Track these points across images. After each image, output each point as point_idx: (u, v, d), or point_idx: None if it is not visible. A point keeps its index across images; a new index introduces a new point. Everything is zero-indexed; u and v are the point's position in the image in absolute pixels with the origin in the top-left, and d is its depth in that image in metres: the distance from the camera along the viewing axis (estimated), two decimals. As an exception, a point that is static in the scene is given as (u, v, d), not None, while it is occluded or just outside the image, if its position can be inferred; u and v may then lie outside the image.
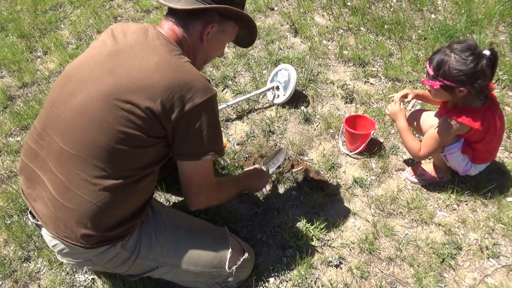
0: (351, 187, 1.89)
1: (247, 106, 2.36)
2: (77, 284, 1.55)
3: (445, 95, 1.57)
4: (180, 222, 1.39)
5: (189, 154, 1.18)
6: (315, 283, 1.54)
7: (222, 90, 2.48)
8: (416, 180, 1.90)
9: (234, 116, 2.29)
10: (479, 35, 2.65)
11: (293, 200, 1.82)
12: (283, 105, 2.31)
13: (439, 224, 1.72)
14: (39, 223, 1.19)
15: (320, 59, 2.65)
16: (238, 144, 2.12)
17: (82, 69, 1.15)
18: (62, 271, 1.60)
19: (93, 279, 1.56)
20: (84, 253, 1.19)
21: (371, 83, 2.47)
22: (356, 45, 2.74)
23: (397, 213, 1.77)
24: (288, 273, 1.56)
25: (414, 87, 2.39)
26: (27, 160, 1.21)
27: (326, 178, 1.92)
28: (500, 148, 1.89)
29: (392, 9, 3.06)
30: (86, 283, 1.55)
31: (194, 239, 1.36)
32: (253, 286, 1.49)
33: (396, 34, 2.79)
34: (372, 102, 2.34)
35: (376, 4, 3.13)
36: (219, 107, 2.17)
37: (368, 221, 1.74)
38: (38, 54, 2.89)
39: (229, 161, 2.00)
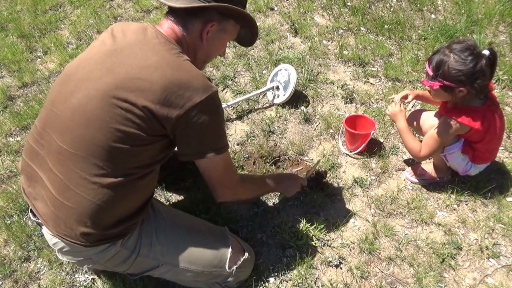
0: (351, 187, 1.89)
1: (247, 106, 2.36)
2: (77, 284, 1.55)
3: (445, 95, 1.57)
4: (180, 222, 1.39)
5: (189, 154, 1.18)
6: (315, 283, 1.54)
7: (222, 90, 2.48)
8: (416, 180, 1.90)
9: (234, 116, 2.29)
10: (479, 35, 2.65)
11: (293, 200, 1.82)
12: (283, 105, 2.31)
13: (439, 224, 1.72)
14: (39, 221, 1.20)
15: (320, 59, 2.65)
16: (238, 144, 2.12)
17: (81, 69, 1.15)
18: (62, 271, 1.60)
19: (93, 279, 1.56)
20: (84, 252, 1.19)
21: (371, 83, 2.47)
22: (356, 45, 2.74)
23: (397, 213, 1.77)
24: (288, 273, 1.56)
25: (414, 87, 2.39)
26: (27, 159, 1.21)
27: (326, 178, 1.92)
28: (500, 148, 1.89)
29: (392, 9, 3.06)
30: (86, 283, 1.55)
31: (194, 238, 1.36)
32: (253, 286, 1.49)
33: (396, 34, 2.79)
34: (372, 102, 2.34)
35: (376, 4, 3.13)
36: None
37: (368, 221, 1.74)
38: (38, 54, 2.90)
39: (229, 161, 1.99)
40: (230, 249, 1.37)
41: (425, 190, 1.87)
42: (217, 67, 2.64)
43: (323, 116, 2.25)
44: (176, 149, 1.23)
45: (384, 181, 1.92)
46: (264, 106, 2.36)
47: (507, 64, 2.46)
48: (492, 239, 1.66)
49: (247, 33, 1.34)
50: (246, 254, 1.42)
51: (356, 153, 2.02)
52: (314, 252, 1.63)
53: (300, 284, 1.53)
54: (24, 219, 1.79)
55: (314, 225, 1.70)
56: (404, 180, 1.92)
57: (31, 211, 1.24)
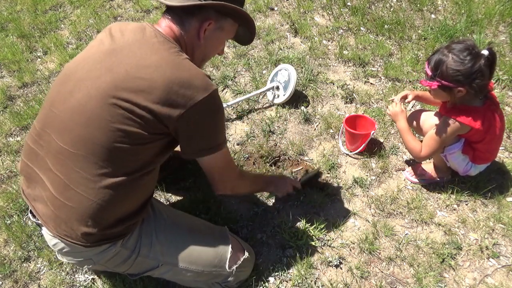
0: (351, 187, 1.89)
1: (247, 106, 2.36)
2: (77, 284, 1.55)
3: (444, 95, 1.57)
4: (180, 221, 1.39)
5: (192, 152, 1.19)
6: (315, 283, 1.54)
7: (222, 90, 2.48)
8: (416, 180, 1.90)
9: (234, 116, 2.29)
10: (479, 35, 2.65)
11: (293, 200, 1.82)
12: (283, 105, 2.31)
13: (439, 224, 1.72)
14: (39, 222, 1.19)
15: (320, 59, 2.65)
16: (238, 144, 2.12)
17: (80, 68, 1.14)
18: (62, 271, 1.60)
19: (93, 279, 1.56)
20: (84, 252, 1.19)
21: (371, 83, 2.47)
22: (356, 45, 2.74)
23: (397, 213, 1.77)
24: (288, 273, 1.56)
25: (414, 87, 2.39)
26: (27, 160, 1.21)
27: (326, 178, 1.92)
28: (500, 148, 1.89)
29: (392, 9, 3.06)
30: (86, 283, 1.55)
31: (194, 238, 1.36)
32: (253, 286, 1.49)
33: (396, 34, 2.79)
34: (372, 102, 2.34)
35: (376, 4, 3.13)
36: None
37: (368, 221, 1.74)
38: (38, 54, 2.89)
39: (229, 161, 1.99)
40: (230, 249, 1.37)
41: (425, 190, 1.87)
42: (217, 67, 2.64)
43: (323, 116, 2.25)
44: (176, 148, 1.23)
45: (384, 181, 1.92)
46: (264, 106, 2.36)
47: (507, 64, 2.46)
48: (492, 239, 1.66)
49: (246, 32, 1.33)
50: (246, 254, 1.42)
51: (356, 153, 2.02)
52: (314, 252, 1.63)
53: (300, 284, 1.53)
54: (24, 219, 1.79)
55: (314, 225, 1.70)
56: (404, 180, 1.92)
57: (31, 212, 1.24)
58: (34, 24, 3.19)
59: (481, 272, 1.57)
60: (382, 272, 1.58)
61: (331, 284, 1.53)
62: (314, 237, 1.67)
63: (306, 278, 1.54)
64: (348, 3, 3.13)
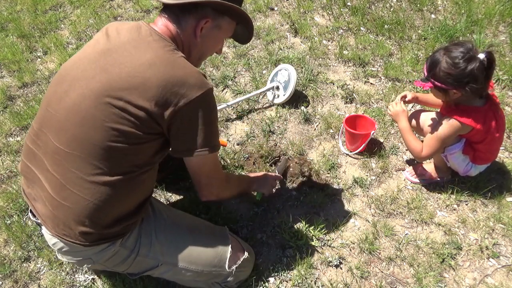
0: (351, 187, 1.89)
1: (247, 106, 2.36)
2: (77, 284, 1.55)
3: (440, 95, 1.58)
4: (180, 221, 1.39)
5: (181, 150, 1.17)
6: (315, 283, 1.54)
7: (222, 90, 2.48)
8: (416, 180, 1.90)
9: (234, 116, 2.29)
10: (479, 35, 2.65)
11: (293, 200, 1.82)
12: (283, 105, 2.31)
13: (439, 224, 1.72)
14: (39, 221, 1.20)
15: (320, 59, 2.65)
16: (238, 144, 2.12)
17: (75, 68, 1.14)
18: (62, 271, 1.60)
19: (93, 279, 1.56)
20: (83, 251, 1.19)
21: (371, 83, 2.47)
22: (356, 45, 2.74)
23: (397, 213, 1.77)
24: (288, 273, 1.56)
25: (414, 87, 2.39)
26: (26, 160, 1.21)
27: (326, 178, 1.92)
28: (500, 148, 1.89)
29: (392, 9, 3.06)
30: (86, 283, 1.55)
31: (194, 238, 1.35)
32: (253, 286, 1.49)
33: (396, 34, 2.79)
34: (372, 102, 2.34)
35: (376, 4, 3.13)
36: (219, 107, 2.17)
37: (368, 221, 1.74)
38: (38, 54, 2.89)
39: (229, 161, 1.99)
40: (230, 249, 1.37)
41: (425, 190, 1.87)
42: (217, 67, 2.64)
43: (323, 116, 2.25)
44: None
45: (384, 181, 1.92)
46: (264, 106, 2.36)
47: (507, 64, 2.46)
48: (492, 239, 1.66)
49: (244, 30, 1.32)
50: (246, 254, 1.42)
51: (356, 153, 2.02)
52: (314, 252, 1.63)
53: (300, 284, 1.53)
54: (24, 219, 1.79)
55: (314, 225, 1.70)
56: (404, 180, 1.92)
57: (31, 211, 1.24)
58: (34, 24, 3.19)
59: (481, 272, 1.57)
60: (382, 272, 1.58)
61: (331, 284, 1.53)
62: (314, 237, 1.67)
63: (306, 278, 1.54)
64: (348, 3, 3.13)
